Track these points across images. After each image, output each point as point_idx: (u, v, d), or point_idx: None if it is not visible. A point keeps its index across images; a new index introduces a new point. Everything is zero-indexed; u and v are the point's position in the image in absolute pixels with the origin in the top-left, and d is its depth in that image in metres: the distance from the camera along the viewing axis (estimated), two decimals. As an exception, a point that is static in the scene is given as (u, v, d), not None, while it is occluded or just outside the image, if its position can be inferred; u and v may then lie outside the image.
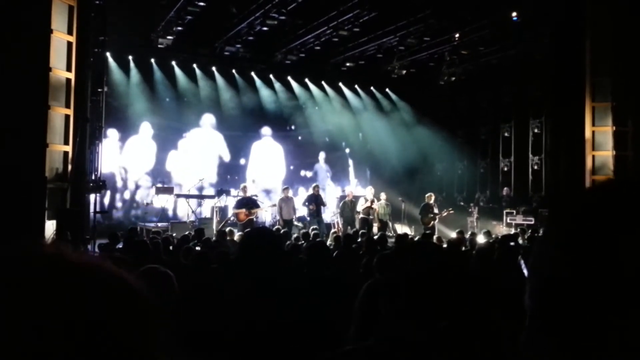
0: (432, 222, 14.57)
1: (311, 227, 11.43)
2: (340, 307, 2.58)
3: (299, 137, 19.64)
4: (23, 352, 0.55)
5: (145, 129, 16.87)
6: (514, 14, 13.86)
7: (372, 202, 14.78)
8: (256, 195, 14.97)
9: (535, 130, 16.71)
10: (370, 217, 14.75)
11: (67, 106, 10.52)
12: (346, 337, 2.29)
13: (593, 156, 12.92)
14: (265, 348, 2.21)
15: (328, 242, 10.37)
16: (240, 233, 11.10)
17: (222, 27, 15.38)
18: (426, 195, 14.92)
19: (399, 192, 16.99)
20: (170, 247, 8.37)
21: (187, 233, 10.88)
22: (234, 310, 2.39)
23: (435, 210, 14.73)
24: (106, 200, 15.92)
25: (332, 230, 13.31)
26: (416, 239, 10.89)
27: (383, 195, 15.30)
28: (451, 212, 15.29)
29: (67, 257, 0.63)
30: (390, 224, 15.72)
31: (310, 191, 15.12)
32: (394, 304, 1.59)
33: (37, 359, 0.55)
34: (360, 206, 14.89)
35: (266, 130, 19.15)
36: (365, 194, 15.58)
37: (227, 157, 18.49)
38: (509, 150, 17.92)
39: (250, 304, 2.34)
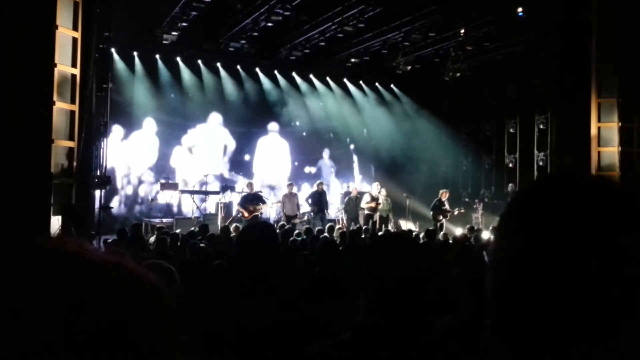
0: (442, 219, 14.50)
1: (317, 228, 11.44)
2: (342, 304, 2.58)
3: (303, 133, 19.61)
4: (42, 351, 0.55)
5: (149, 124, 16.90)
6: (520, 9, 13.79)
7: (377, 199, 14.74)
8: (261, 191, 14.98)
9: (541, 126, 16.62)
10: (376, 214, 14.72)
11: (72, 102, 10.55)
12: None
13: (599, 152, 12.87)
14: (261, 346, 2.20)
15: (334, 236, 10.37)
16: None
17: (226, 23, 15.37)
18: (440, 192, 14.85)
19: (403, 188, 16.96)
20: (178, 243, 8.40)
21: (192, 229, 10.91)
22: (228, 307, 2.39)
23: (447, 207, 14.66)
24: (116, 199, 16.01)
25: (337, 227, 13.31)
26: (418, 235, 10.90)
27: (383, 192, 15.23)
28: (462, 211, 15.24)
29: (88, 254, 0.63)
30: (391, 220, 15.66)
31: (315, 188, 15.10)
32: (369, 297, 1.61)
33: (50, 356, 0.55)
34: (365, 202, 14.87)
35: (271, 126, 19.13)
36: (370, 190, 15.53)
37: (232, 154, 18.48)
38: (514, 146, 17.84)
39: (244, 301, 2.33)
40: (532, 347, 0.61)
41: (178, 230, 11.40)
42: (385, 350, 1.52)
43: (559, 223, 0.62)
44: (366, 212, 14.79)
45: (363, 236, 9.63)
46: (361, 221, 15.21)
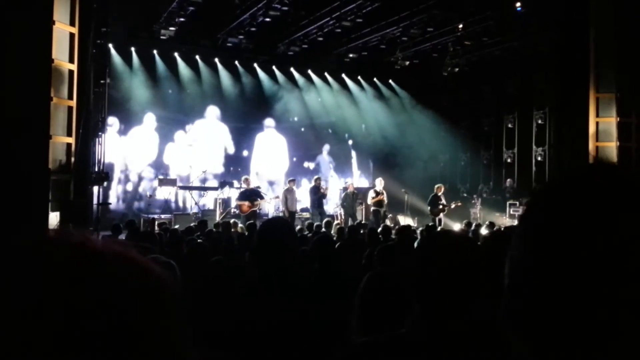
0: (440, 214, 14.53)
1: (316, 224, 11.45)
2: (342, 300, 2.58)
3: (302, 129, 19.60)
4: (46, 343, 0.54)
5: (149, 121, 16.88)
6: (518, 4, 13.77)
7: (382, 193, 14.74)
8: (259, 187, 14.98)
9: (539, 122, 16.65)
10: (383, 209, 14.72)
11: (70, 98, 10.52)
12: (348, 329, 2.29)
13: (597, 147, 12.87)
14: (266, 344, 2.19)
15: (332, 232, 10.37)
16: (241, 225, 11.13)
17: (224, 18, 15.34)
18: (435, 187, 14.86)
19: (401, 184, 16.97)
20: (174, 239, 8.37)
21: (191, 225, 10.90)
22: (244, 303, 2.37)
23: (443, 202, 14.68)
24: (112, 193, 16.00)
25: (336, 222, 13.32)
26: (419, 230, 10.89)
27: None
28: (459, 204, 15.26)
29: (92, 244, 0.62)
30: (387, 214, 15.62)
31: (313, 183, 15.13)
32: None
33: (56, 349, 0.54)
34: (371, 198, 14.86)
35: (269, 122, 19.12)
36: (375, 185, 15.46)
37: (231, 149, 18.50)
38: (512, 142, 17.87)
39: (264, 296, 2.32)
40: (543, 343, 0.62)
41: (177, 226, 11.40)
42: (444, 347, 1.50)
43: (573, 221, 0.62)
44: (373, 207, 14.79)
45: (362, 231, 9.63)
46: (359, 216, 15.24)
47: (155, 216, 14.42)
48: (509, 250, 0.69)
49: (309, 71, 19.27)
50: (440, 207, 14.53)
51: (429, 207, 14.76)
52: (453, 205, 14.93)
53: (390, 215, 16.06)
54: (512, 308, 0.66)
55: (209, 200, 16.05)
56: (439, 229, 12.42)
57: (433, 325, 1.52)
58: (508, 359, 0.69)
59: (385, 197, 14.81)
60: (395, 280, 2.34)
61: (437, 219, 14.31)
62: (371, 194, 14.96)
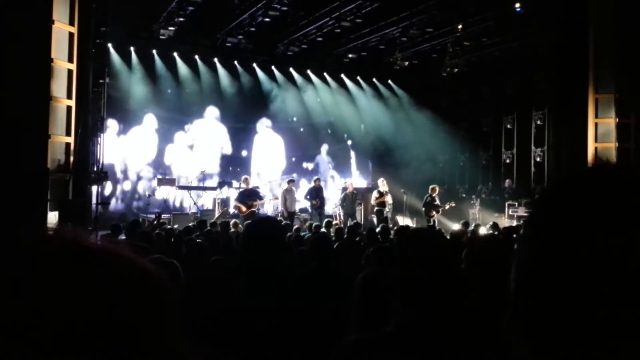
0: (434, 215, 14.53)
1: (314, 224, 11.45)
2: (341, 299, 2.58)
3: (301, 129, 19.60)
4: (46, 343, 0.54)
5: (149, 120, 16.87)
6: (518, 5, 13.78)
7: (385, 194, 14.73)
8: (258, 187, 14.97)
9: (538, 122, 16.66)
10: (386, 209, 14.71)
11: (69, 97, 10.51)
12: (347, 329, 2.29)
13: (595, 148, 12.88)
14: (265, 341, 2.20)
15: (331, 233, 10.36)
16: (241, 225, 11.13)
17: (223, 18, 15.33)
18: (430, 187, 14.86)
19: (400, 184, 16.96)
20: (172, 239, 8.37)
21: (190, 224, 10.89)
22: (233, 302, 2.37)
23: (438, 203, 14.68)
24: (111, 194, 15.99)
25: (334, 222, 13.30)
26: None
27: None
28: (453, 205, 15.26)
29: (92, 244, 0.62)
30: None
31: (312, 184, 15.11)
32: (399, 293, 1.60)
33: (55, 349, 0.55)
34: (374, 199, 14.85)
35: (268, 122, 19.11)
36: (378, 186, 15.44)
37: (228, 150, 18.48)
38: (511, 142, 17.87)
39: (250, 296, 2.33)
40: (544, 343, 0.62)
41: (175, 226, 11.39)
42: (428, 344, 1.50)
43: (579, 221, 0.62)
44: (376, 208, 14.78)
45: (359, 231, 9.62)
46: (358, 217, 15.22)
47: (154, 216, 14.37)
48: (515, 254, 0.69)
49: (308, 71, 19.27)
50: (435, 208, 14.54)
51: (423, 209, 14.78)
52: (447, 207, 14.92)
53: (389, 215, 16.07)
54: (515, 309, 0.66)
55: (207, 200, 16.04)
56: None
57: (419, 322, 1.53)
58: (505, 357, 0.70)
59: (389, 198, 14.82)
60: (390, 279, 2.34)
61: (431, 219, 14.32)
62: (375, 194, 14.96)
